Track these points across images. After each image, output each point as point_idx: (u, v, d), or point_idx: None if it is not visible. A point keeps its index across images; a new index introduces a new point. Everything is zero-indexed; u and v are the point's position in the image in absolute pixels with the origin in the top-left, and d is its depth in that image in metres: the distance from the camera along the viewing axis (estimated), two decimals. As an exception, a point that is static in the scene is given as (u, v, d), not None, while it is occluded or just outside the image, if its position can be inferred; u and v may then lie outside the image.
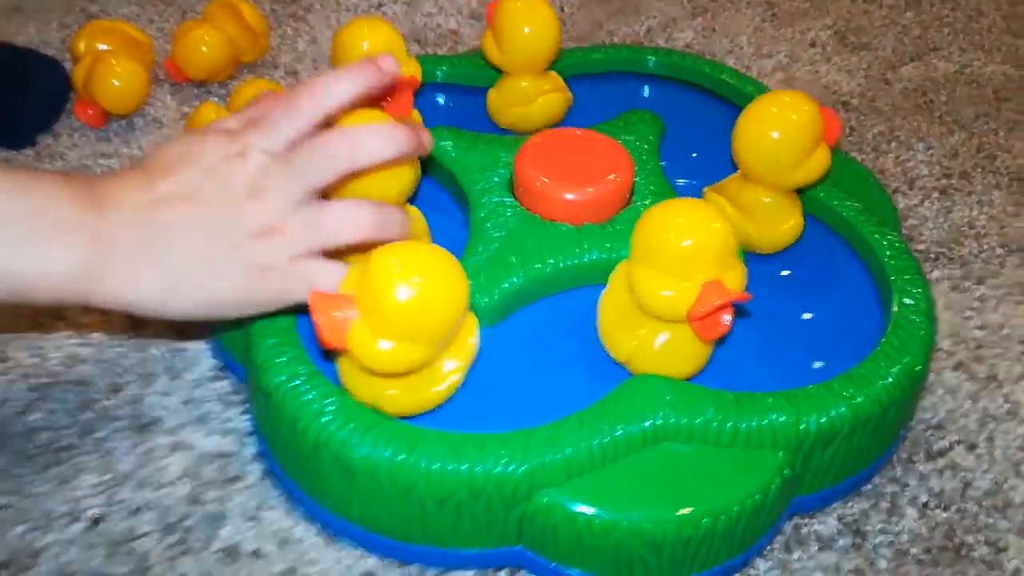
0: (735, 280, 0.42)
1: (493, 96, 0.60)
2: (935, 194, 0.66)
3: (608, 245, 0.50)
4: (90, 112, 0.68)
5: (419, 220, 0.50)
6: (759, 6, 0.87)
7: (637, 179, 0.53)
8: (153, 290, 0.42)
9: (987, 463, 0.48)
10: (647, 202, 0.52)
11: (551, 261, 0.49)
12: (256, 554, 0.43)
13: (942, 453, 0.49)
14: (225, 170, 0.42)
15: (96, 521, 0.44)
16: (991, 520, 0.46)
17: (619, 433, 0.41)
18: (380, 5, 0.84)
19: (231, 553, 0.43)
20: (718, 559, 0.42)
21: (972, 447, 0.49)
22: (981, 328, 0.56)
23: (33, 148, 0.65)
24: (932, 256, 0.61)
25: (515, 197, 0.52)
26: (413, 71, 0.53)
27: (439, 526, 0.41)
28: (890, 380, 0.43)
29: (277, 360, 0.43)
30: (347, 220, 0.43)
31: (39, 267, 0.40)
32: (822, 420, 0.42)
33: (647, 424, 0.42)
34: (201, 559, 0.43)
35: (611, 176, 0.51)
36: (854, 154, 0.69)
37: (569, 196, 0.50)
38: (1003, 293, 0.58)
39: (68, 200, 0.41)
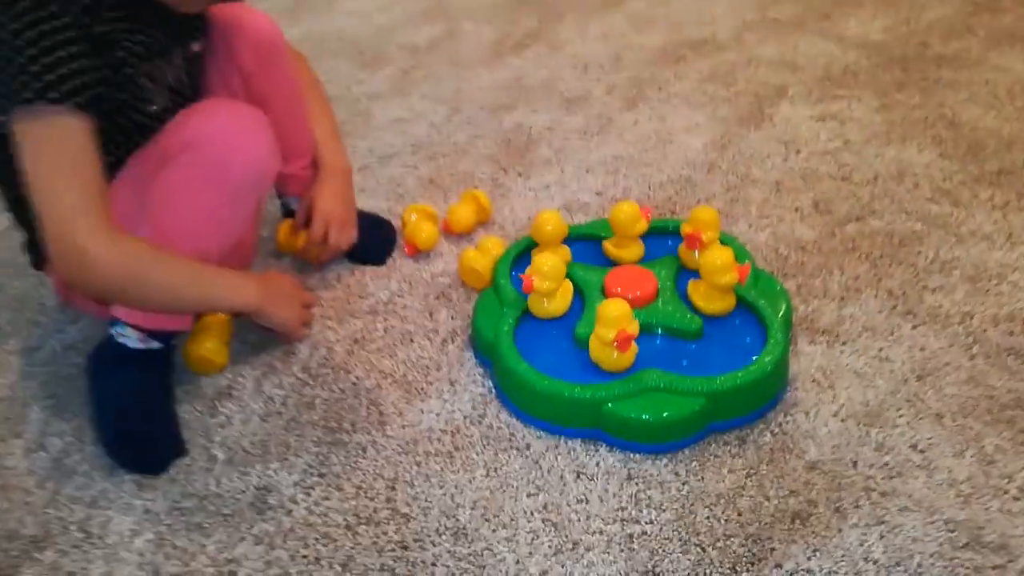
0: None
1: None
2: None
3: (644, 314, 1.16)
4: (407, 249, 1.41)
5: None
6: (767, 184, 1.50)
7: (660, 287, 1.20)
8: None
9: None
10: (665, 298, 1.18)
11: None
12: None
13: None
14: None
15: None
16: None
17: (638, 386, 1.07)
18: (547, 186, 1.54)
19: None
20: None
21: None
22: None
23: (384, 265, 1.39)
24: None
25: (604, 295, 1.19)
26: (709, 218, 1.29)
27: (558, 415, 1.08)
28: (768, 369, 1.07)
29: (510, 352, 1.12)
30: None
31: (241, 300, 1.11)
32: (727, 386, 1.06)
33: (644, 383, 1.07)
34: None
35: (648, 285, 1.18)
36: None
37: (628, 296, 1.17)
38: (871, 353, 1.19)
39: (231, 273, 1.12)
